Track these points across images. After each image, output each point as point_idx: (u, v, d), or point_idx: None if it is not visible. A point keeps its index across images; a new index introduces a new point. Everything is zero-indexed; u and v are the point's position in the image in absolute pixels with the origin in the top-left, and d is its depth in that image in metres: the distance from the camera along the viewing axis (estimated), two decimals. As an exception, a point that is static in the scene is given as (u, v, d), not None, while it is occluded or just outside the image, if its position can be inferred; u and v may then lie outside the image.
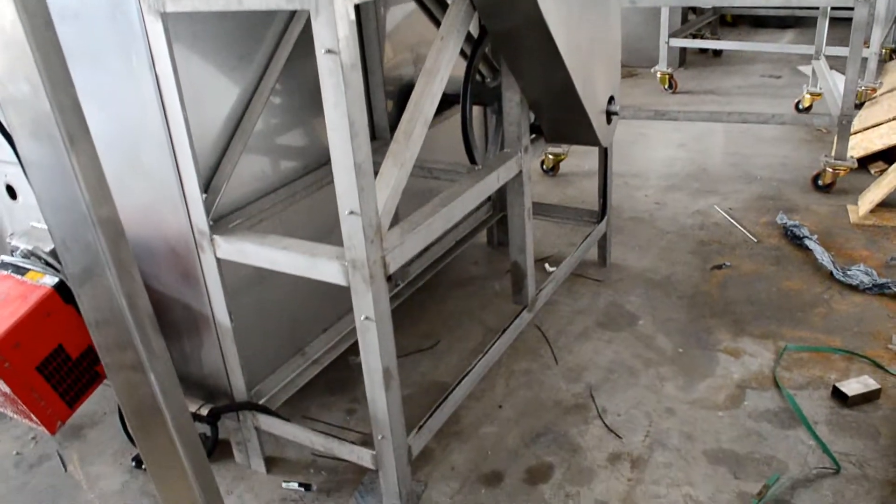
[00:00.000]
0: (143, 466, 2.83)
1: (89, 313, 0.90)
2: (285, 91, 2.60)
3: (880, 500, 2.39)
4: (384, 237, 2.00)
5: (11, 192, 2.90)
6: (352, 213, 1.89)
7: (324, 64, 1.76)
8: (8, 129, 0.83)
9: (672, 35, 6.81)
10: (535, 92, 2.65)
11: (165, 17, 2.02)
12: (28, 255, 2.81)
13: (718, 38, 8.37)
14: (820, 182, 4.66)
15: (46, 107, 0.74)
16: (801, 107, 6.16)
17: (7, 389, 2.57)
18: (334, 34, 1.71)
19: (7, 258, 2.85)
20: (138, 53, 2.11)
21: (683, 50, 7.84)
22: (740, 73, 7.60)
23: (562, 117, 2.79)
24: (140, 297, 0.88)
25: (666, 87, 6.93)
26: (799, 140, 5.59)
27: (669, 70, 6.88)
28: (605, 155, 3.59)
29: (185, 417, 0.96)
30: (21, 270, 2.74)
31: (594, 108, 2.75)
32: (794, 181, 4.85)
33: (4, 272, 2.77)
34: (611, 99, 2.90)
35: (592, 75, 2.70)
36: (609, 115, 2.90)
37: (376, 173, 2.01)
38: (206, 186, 2.29)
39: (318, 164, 2.75)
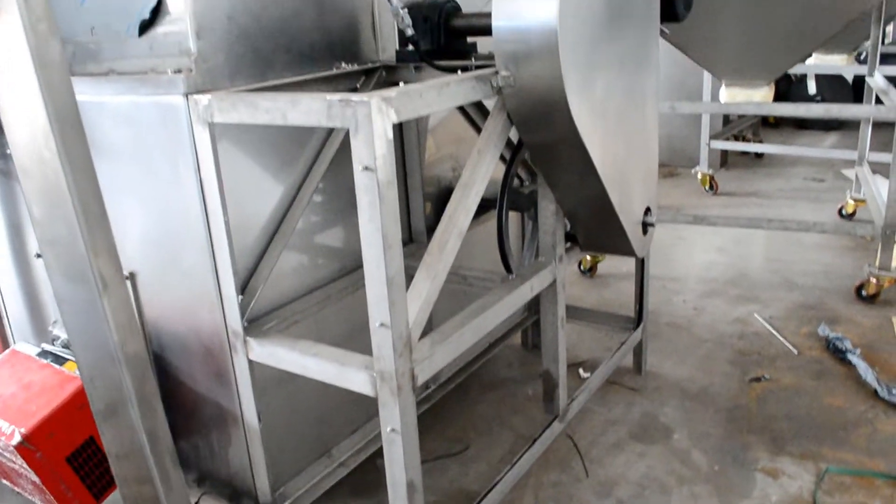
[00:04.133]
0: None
1: (111, 446, 0.91)
2: (324, 192, 2.66)
3: None
4: (414, 349, 2.01)
5: (57, 282, 2.98)
6: (382, 325, 1.90)
7: (360, 180, 1.80)
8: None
9: (713, 137, 6.86)
10: (571, 202, 2.68)
11: (213, 127, 2.11)
12: (67, 345, 2.87)
13: (761, 140, 8.39)
14: (863, 292, 4.57)
15: (82, 250, 0.78)
16: (844, 213, 6.11)
17: (36, 479, 2.59)
18: (372, 152, 1.76)
19: (48, 347, 2.92)
20: (185, 158, 2.20)
21: (725, 151, 7.87)
22: (783, 176, 7.58)
23: (597, 227, 2.80)
24: (161, 433, 0.89)
25: (707, 188, 6.93)
26: (842, 247, 5.51)
27: (710, 171, 6.89)
28: (641, 261, 3.59)
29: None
30: (60, 360, 2.80)
31: (630, 220, 2.76)
32: (836, 290, 4.77)
33: (44, 361, 2.83)
34: (647, 210, 2.91)
35: (629, 187, 2.72)
36: (645, 226, 2.91)
37: (410, 277, 2.03)
38: (243, 288, 2.33)
39: (354, 265, 2.78)
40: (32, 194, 0.85)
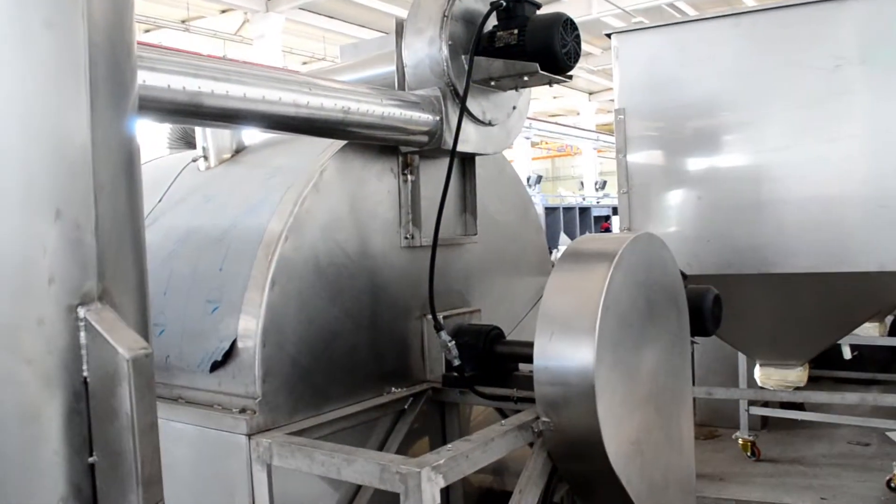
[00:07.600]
0: None
1: None
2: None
3: None
4: None
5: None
6: None
7: (408, 546, 1.90)
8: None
9: (752, 403, 6.86)
10: (611, 524, 2.72)
11: (270, 469, 2.25)
12: None
13: (802, 405, 8.28)
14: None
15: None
16: (892, 485, 5.93)
17: None
18: (420, 518, 1.87)
19: None
20: (241, 493, 2.32)
21: (766, 411, 7.80)
22: (826, 438, 7.42)
23: (638, 549, 2.81)
24: None
25: (749, 454, 6.82)
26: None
27: (751, 437, 6.82)
28: (684, 564, 3.51)
29: None
30: None
31: (670, 542, 2.77)
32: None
33: None
34: (688, 529, 2.92)
35: (667, 509, 2.77)
36: (687, 546, 2.91)
37: None
38: None
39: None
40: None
